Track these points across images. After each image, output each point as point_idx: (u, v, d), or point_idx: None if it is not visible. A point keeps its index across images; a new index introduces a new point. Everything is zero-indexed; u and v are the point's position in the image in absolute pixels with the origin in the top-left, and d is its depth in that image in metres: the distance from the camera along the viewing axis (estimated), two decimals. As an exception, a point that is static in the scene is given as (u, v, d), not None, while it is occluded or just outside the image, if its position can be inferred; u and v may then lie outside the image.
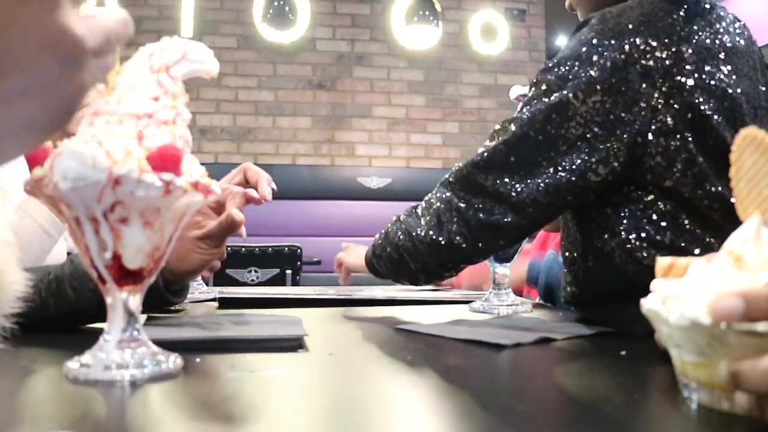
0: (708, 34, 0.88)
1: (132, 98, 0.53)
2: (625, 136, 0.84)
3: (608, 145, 0.84)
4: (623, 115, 0.84)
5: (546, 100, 0.87)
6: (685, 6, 0.88)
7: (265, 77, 4.47)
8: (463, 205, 0.91)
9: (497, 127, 0.92)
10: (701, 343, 0.44)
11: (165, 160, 0.50)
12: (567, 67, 0.87)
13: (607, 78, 0.84)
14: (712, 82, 0.86)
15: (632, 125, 0.84)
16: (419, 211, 0.98)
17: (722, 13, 0.93)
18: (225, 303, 1.13)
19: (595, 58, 0.85)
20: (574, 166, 0.85)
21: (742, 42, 0.93)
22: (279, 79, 4.49)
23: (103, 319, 0.73)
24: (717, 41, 0.89)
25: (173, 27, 4.12)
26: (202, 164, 0.55)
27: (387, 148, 4.54)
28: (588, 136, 0.85)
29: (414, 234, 0.96)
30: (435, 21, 4.33)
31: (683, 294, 0.45)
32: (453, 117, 4.61)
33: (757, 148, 0.46)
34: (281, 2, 4.28)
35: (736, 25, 0.95)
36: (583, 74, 0.85)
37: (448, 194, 0.93)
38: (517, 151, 0.88)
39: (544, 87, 0.88)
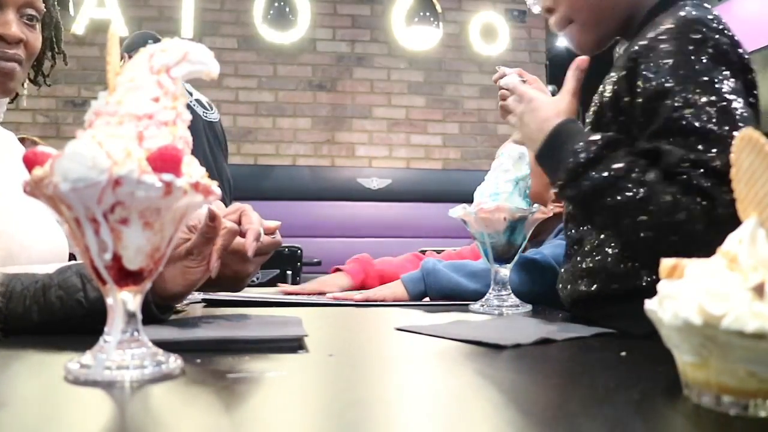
0: None
1: (132, 99, 0.53)
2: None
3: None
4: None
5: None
6: None
7: (265, 78, 4.48)
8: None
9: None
10: (695, 343, 0.44)
11: (165, 161, 0.50)
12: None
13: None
14: None
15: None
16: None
17: None
18: (214, 306, 1.08)
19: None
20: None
21: None
22: (279, 80, 4.49)
23: (86, 330, 0.73)
24: None
25: (173, 28, 4.12)
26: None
27: (387, 149, 4.55)
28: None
29: None
30: (435, 22, 4.34)
31: (677, 295, 0.45)
32: (453, 118, 4.61)
33: (752, 150, 0.47)
34: (281, 3, 4.28)
35: None
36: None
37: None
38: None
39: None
